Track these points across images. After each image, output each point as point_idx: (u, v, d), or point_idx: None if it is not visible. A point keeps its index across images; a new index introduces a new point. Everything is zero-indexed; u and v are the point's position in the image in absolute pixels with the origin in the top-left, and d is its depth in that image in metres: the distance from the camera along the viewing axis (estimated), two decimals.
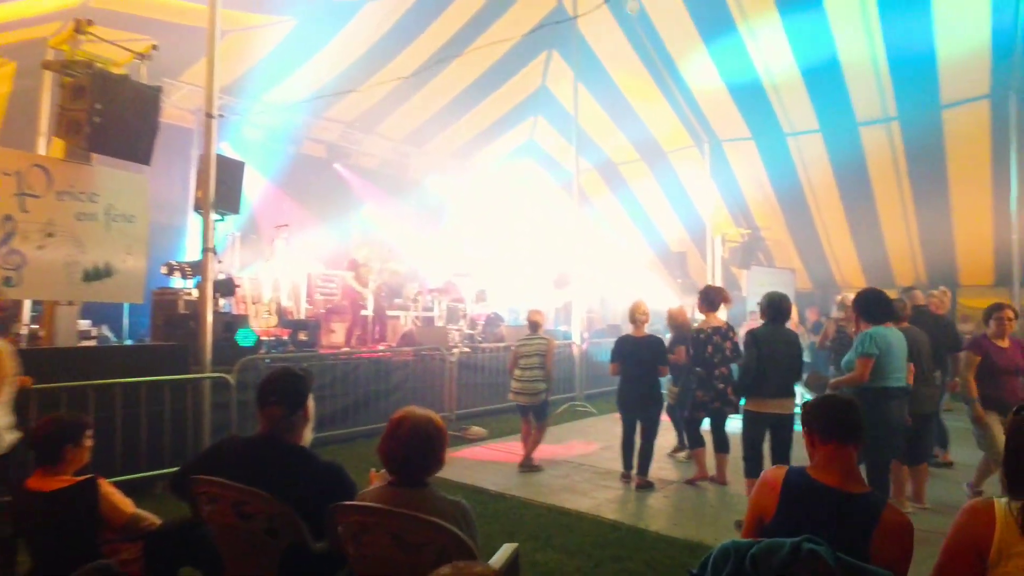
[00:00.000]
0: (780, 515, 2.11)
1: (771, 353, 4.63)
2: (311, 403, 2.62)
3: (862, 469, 4.70)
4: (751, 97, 12.63)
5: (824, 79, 11.71)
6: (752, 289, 14.92)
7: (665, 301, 15.55)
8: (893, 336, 4.54)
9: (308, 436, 2.62)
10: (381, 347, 9.43)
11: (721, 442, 5.86)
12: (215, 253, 6.18)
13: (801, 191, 14.21)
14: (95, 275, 5.70)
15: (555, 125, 15.11)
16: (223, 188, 6.49)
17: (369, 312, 9.82)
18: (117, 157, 5.54)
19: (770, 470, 2.28)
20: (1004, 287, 13.64)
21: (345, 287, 10.45)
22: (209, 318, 5.85)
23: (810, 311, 12.88)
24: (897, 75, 11.21)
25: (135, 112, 5.33)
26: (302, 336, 8.31)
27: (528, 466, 6.32)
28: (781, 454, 4.64)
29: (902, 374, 4.52)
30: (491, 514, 4.88)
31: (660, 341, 5.84)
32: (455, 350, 8.79)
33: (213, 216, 6.13)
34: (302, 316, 10.72)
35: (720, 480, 5.84)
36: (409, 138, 14.47)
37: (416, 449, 2.20)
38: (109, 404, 5.01)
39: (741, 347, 5.69)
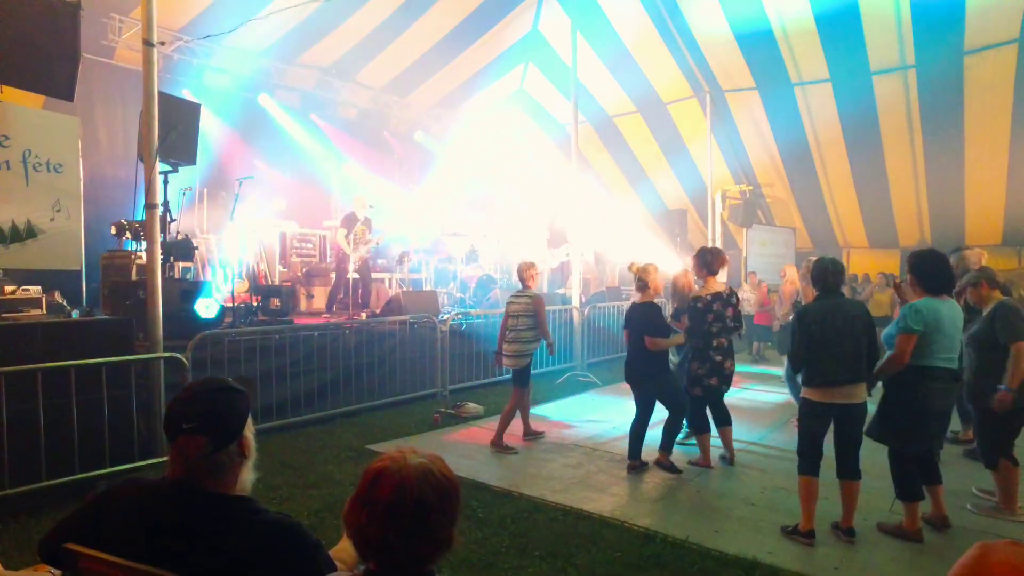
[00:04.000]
0: None
1: (825, 333, 3.85)
2: (250, 432, 1.72)
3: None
4: (759, 44, 11.71)
5: (840, 24, 10.81)
6: (752, 249, 14.28)
7: (664, 262, 14.88)
8: (945, 309, 3.82)
9: (247, 479, 1.73)
10: (364, 314, 8.57)
11: (722, 416, 5.42)
12: (166, 210, 5.23)
13: (806, 146, 13.46)
14: (14, 236, 4.73)
15: (547, 73, 14.07)
16: (176, 134, 5.52)
17: (354, 275, 8.93)
18: (26, 89, 4.53)
19: (1010, 551, 1.27)
20: (1012, 247, 13.15)
21: (334, 246, 9.53)
22: (158, 285, 4.92)
23: None
24: (920, 18, 10.35)
25: (47, 35, 4.28)
26: (274, 303, 7.42)
27: (499, 446, 5.75)
28: (847, 452, 3.91)
29: (953, 355, 3.85)
30: (497, 520, 4.14)
31: (647, 308, 5.11)
32: (447, 317, 7.97)
33: (161, 166, 5.15)
34: (276, 281, 9.84)
35: (731, 457, 5.37)
36: (391, 87, 13.35)
37: (407, 529, 1.35)
38: (29, 395, 4.11)
39: (742, 316, 5.39)
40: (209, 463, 1.61)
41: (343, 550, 1.84)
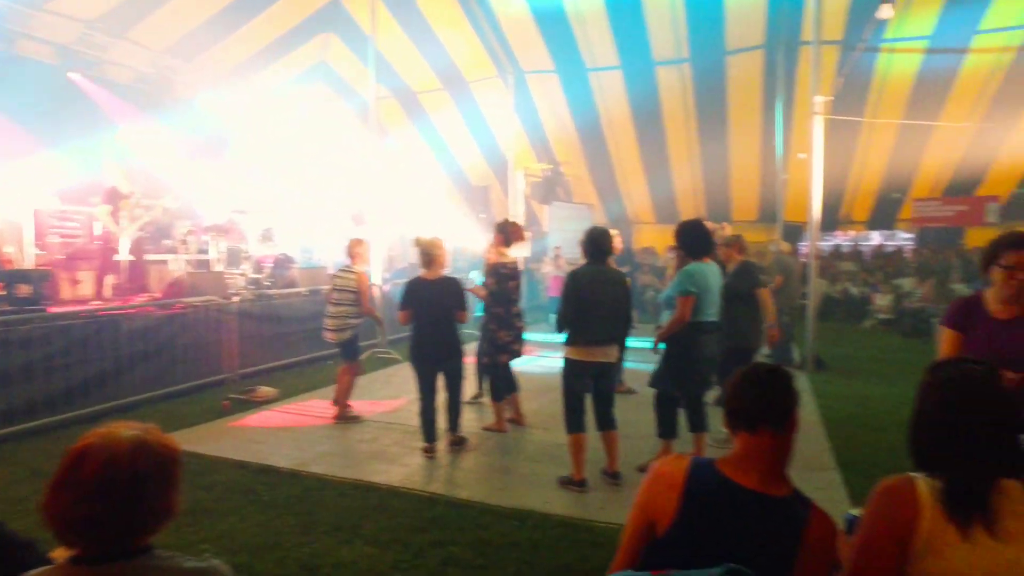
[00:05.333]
0: (681, 525, 1.57)
1: (594, 296, 4.21)
2: None
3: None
4: (556, 28, 12.28)
5: (626, 15, 11.67)
6: (553, 225, 15.07)
7: (469, 238, 15.24)
8: (709, 271, 4.40)
9: None
10: (141, 299, 7.77)
11: (510, 384, 5.69)
12: None
13: (600, 127, 14.43)
14: None
15: (350, 46, 13.58)
16: None
17: (123, 256, 8.02)
18: None
19: (667, 461, 1.72)
20: (766, 223, 15.20)
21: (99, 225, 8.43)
22: None
23: None
24: (692, 17, 11.49)
25: None
26: (23, 290, 6.44)
27: (344, 417, 5.88)
28: (603, 406, 4.33)
29: (715, 309, 4.46)
30: (283, 502, 4.02)
31: (458, 283, 5.15)
32: (236, 299, 7.48)
33: None
34: (31, 265, 8.54)
35: (519, 419, 5.68)
36: (175, 49, 12.02)
37: (120, 503, 1.27)
38: None
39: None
40: None
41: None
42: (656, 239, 15.82)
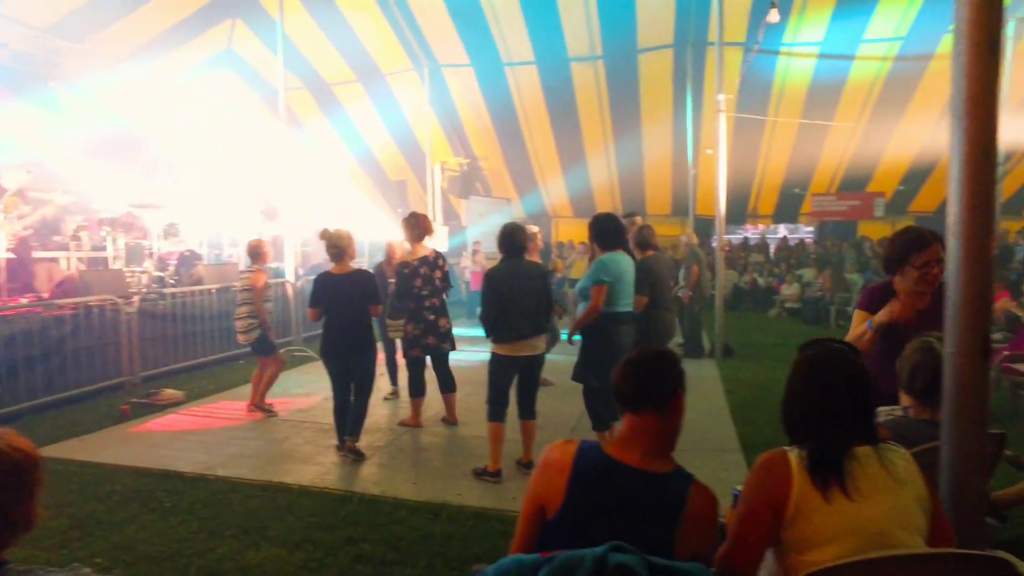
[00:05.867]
0: (569, 507, 1.63)
1: (512, 292, 4.25)
2: None
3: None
4: (471, 22, 12.24)
5: (540, 10, 11.78)
6: (471, 219, 15.08)
7: (386, 233, 14.95)
8: (623, 262, 4.52)
9: None
10: (26, 300, 7.22)
11: (447, 382, 5.55)
12: None
13: (517, 122, 14.52)
14: None
15: (257, 33, 13.05)
16: None
17: (7, 254, 7.41)
18: None
19: (555, 447, 1.77)
20: (678, 216, 15.76)
21: None
22: None
23: None
24: (604, 15, 11.72)
25: None
26: None
27: (259, 408, 5.93)
28: (527, 396, 4.39)
29: (630, 300, 4.56)
30: (186, 508, 3.84)
31: (370, 276, 5.07)
32: (135, 298, 7.09)
33: None
34: None
35: (453, 420, 5.57)
36: (61, 28, 11.17)
37: None
38: None
39: (451, 276, 5.61)
40: None
41: None
42: (575, 233, 16.11)
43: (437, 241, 13.19)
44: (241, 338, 5.97)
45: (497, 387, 4.32)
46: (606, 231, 4.57)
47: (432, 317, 5.37)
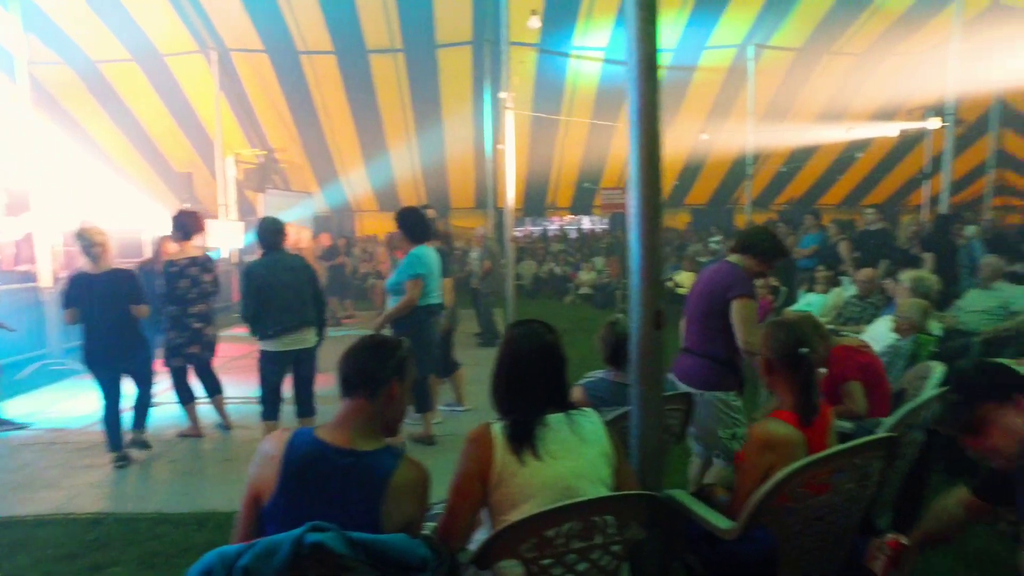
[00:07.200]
0: (280, 493, 1.65)
1: (273, 286, 4.16)
2: None
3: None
4: (262, 6, 11.55)
5: (339, 1, 11.45)
6: (269, 213, 14.31)
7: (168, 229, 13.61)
8: (433, 255, 4.61)
9: None
10: None
11: (212, 385, 5.28)
12: None
13: (316, 113, 14.03)
14: None
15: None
16: None
17: None
18: None
19: (271, 435, 1.78)
20: (482, 209, 16.26)
21: None
22: None
23: (323, 236, 12.96)
24: (403, 9, 11.68)
25: None
26: None
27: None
28: (304, 393, 4.30)
29: (439, 291, 4.69)
30: None
31: (131, 275, 4.73)
32: None
33: None
34: None
35: (227, 423, 5.32)
36: None
37: None
38: None
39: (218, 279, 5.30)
40: None
41: None
42: (379, 226, 15.97)
43: (230, 238, 12.45)
44: None
45: (268, 385, 4.21)
46: (415, 224, 4.62)
47: (198, 325, 5.04)
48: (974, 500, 2.00)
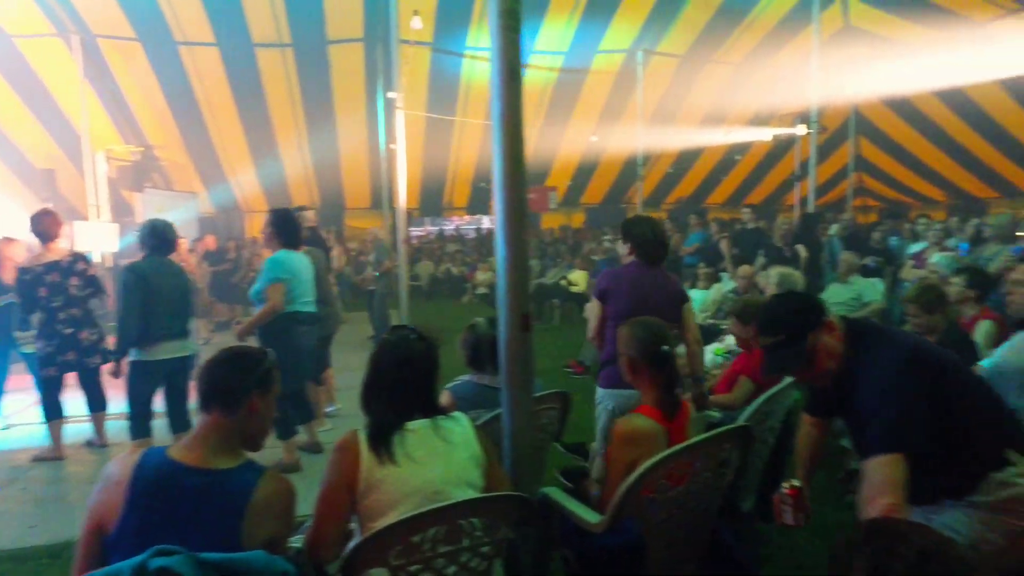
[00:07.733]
0: (127, 518, 1.54)
1: (160, 290, 3.93)
2: None
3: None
4: None
5: None
6: (149, 215, 13.38)
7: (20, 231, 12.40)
8: (300, 260, 4.44)
9: None
10: None
11: (96, 399, 4.92)
12: None
13: (199, 108, 13.26)
14: None
15: None
16: None
17: None
18: None
19: (117, 459, 1.67)
20: (378, 210, 16.01)
21: None
22: None
23: (209, 238, 12.30)
24: (289, 3, 11.26)
25: None
26: None
27: None
28: (177, 407, 4.06)
29: (310, 298, 4.48)
30: None
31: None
32: None
33: None
34: None
35: (102, 442, 4.96)
36: None
37: None
38: None
39: (100, 280, 4.99)
40: None
41: None
42: None
43: (102, 240, 11.52)
44: None
45: (139, 399, 3.95)
46: (283, 226, 4.43)
47: (69, 330, 4.69)
48: (813, 419, 2.33)
